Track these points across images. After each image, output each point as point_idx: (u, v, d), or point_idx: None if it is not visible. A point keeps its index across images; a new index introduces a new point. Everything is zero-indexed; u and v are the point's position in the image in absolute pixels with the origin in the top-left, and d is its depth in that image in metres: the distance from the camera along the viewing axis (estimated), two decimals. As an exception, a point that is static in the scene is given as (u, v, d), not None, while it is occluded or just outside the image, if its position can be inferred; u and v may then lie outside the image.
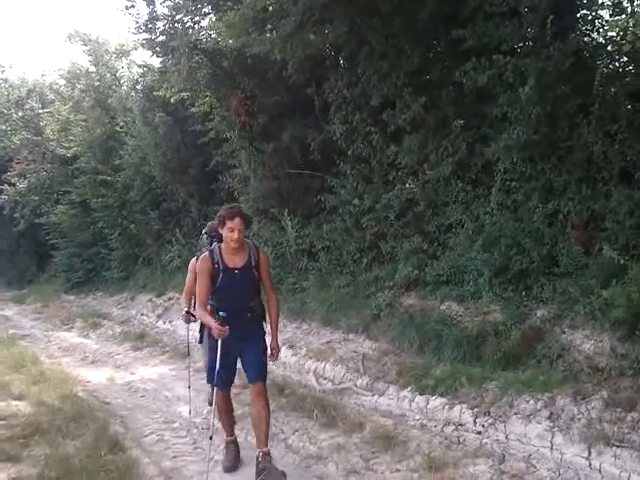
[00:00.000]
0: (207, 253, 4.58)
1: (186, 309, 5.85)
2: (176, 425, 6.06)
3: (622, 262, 5.21)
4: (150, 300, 13.53)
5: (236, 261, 4.50)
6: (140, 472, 4.73)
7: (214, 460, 4.87)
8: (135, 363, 9.24)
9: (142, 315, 13.17)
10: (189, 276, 5.94)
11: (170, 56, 10.47)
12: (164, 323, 11.96)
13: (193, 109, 11.51)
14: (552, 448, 4.60)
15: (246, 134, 9.96)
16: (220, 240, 4.63)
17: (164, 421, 6.24)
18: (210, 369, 4.67)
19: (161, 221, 14.52)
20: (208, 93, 10.65)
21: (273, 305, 4.79)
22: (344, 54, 8.82)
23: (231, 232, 4.37)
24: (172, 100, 11.52)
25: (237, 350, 4.61)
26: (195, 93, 11.12)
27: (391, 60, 7.79)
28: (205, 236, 5.70)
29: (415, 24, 7.40)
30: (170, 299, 12.66)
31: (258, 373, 4.65)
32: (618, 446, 4.28)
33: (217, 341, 4.44)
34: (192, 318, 5.72)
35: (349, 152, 8.64)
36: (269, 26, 8.15)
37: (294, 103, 9.62)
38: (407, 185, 7.94)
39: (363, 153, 8.46)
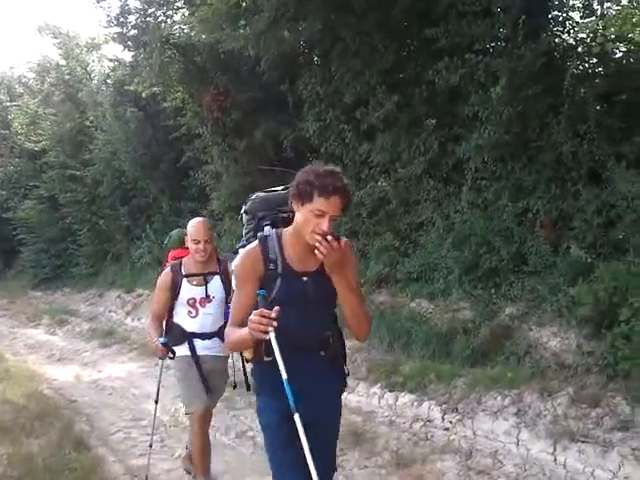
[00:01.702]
0: (255, 244, 2.61)
1: (161, 340, 3.99)
2: (144, 423, 5.98)
3: (589, 260, 5.28)
4: (119, 297, 13.37)
5: (307, 261, 2.54)
6: (105, 471, 4.66)
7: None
8: (103, 360, 9.11)
9: (110, 312, 13.01)
10: (160, 294, 4.08)
11: (142, 50, 10.37)
12: (133, 320, 11.82)
13: (165, 104, 11.40)
14: (518, 444, 4.64)
15: (219, 130, 9.90)
16: (281, 223, 2.70)
17: (131, 419, 6.15)
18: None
19: (131, 217, 14.36)
20: (180, 88, 10.55)
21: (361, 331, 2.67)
22: (318, 51, 8.81)
23: (318, 217, 2.40)
24: (144, 95, 11.40)
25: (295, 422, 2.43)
26: (167, 88, 11.01)
27: (364, 58, 7.80)
28: (246, 216, 3.00)
29: (389, 22, 7.41)
30: (139, 296, 12.53)
31: (326, 471, 2.63)
32: (582, 441, 4.33)
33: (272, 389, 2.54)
34: (171, 354, 4.04)
35: (322, 149, 8.64)
36: (242, 22, 8.11)
37: (267, 100, 9.59)
38: (379, 183, 7.96)
39: (336, 150, 8.46)
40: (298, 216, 2.47)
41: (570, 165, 5.93)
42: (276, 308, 2.33)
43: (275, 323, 2.31)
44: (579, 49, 6.83)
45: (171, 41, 9.82)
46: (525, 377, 5.20)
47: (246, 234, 2.84)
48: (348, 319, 2.59)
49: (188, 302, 4.00)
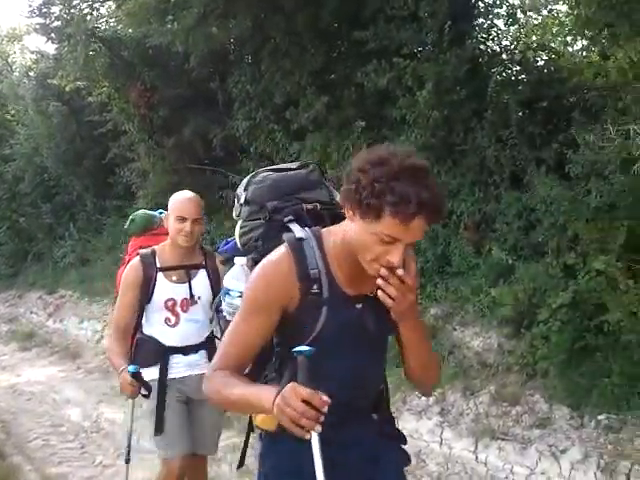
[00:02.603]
0: (284, 252, 1.68)
1: (131, 369, 2.88)
2: (63, 429, 5.79)
3: (510, 262, 5.42)
4: (40, 298, 12.88)
5: (360, 281, 1.68)
6: None
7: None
8: (22, 364, 8.77)
9: (31, 313, 12.52)
10: (126, 296, 3.06)
11: (66, 43, 9.98)
12: (55, 322, 11.41)
13: (90, 99, 11.05)
14: (441, 443, 4.73)
15: (146, 127, 9.67)
16: (310, 220, 1.80)
17: (50, 425, 5.95)
18: None
19: (54, 215, 13.86)
20: (106, 83, 10.25)
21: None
22: (248, 50, 8.73)
23: (387, 243, 1.53)
24: (67, 89, 11.00)
25: None
26: (92, 82, 10.67)
27: (294, 58, 7.78)
28: (247, 208, 1.89)
29: (318, 23, 7.42)
30: (62, 297, 12.11)
31: None
32: (503, 439, 4.45)
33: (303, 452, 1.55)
34: (144, 391, 2.98)
35: (252, 149, 8.57)
36: (170, 17, 7.93)
37: (197, 97, 9.42)
38: (309, 183, 7.96)
39: (266, 150, 8.40)
40: (352, 227, 1.57)
41: (493, 169, 6.09)
42: (325, 399, 1.44)
43: (323, 418, 1.44)
44: (503, 56, 7.02)
45: (97, 34, 9.51)
46: (449, 376, 5.30)
47: (243, 234, 1.87)
48: (414, 372, 1.79)
49: (166, 305, 3.02)
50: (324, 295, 1.66)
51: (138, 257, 3.06)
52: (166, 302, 3.03)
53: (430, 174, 1.54)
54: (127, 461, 3.41)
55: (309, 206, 1.82)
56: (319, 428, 1.44)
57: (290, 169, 1.92)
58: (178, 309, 3.05)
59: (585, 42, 5.86)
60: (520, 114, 6.03)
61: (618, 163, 4.80)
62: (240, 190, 1.91)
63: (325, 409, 1.44)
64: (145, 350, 3.07)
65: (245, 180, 1.93)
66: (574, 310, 4.75)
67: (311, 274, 1.65)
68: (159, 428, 3.01)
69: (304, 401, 1.42)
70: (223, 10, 7.56)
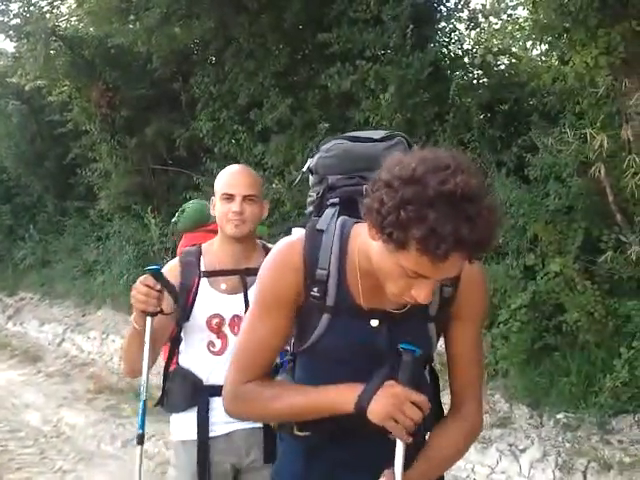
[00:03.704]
0: (297, 240, 1.49)
1: (152, 267, 2.08)
2: (22, 434, 5.68)
3: (472, 264, 5.49)
4: (-1, 300, 12.65)
5: (384, 298, 1.41)
6: (-22, 487, 4.40)
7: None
8: (-20, 368, 8.58)
9: (-10, 316, 12.28)
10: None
11: (25, 41, 9.80)
12: (14, 325, 11.19)
13: (50, 98, 10.86)
14: (405, 443, 4.77)
15: (107, 127, 9.54)
16: (344, 208, 1.54)
17: (9, 430, 5.83)
18: None
19: (13, 216, 13.57)
20: (67, 82, 10.08)
21: (455, 436, 1.55)
22: (211, 50, 8.68)
23: (412, 277, 1.28)
24: (27, 88, 10.79)
25: None
26: (53, 82, 10.46)
27: (258, 59, 7.77)
28: (312, 178, 1.71)
29: (282, 24, 7.42)
30: (22, 299, 11.89)
31: None
32: (464, 439, 4.50)
33: None
34: (167, 305, 2.12)
35: (216, 150, 8.52)
36: (132, 17, 7.86)
37: (160, 97, 9.35)
38: (274, 185, 7.95)
39: (230, 151, 8.36)
40: (375, 248, 1.33)
41: (454, 171, 6.14)
42: (428, 403, 1.35)
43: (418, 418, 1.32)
44: (465, 60, 7.11)
45: (57, 33, 9.36)
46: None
47: (309, 204, 1.67)
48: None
49: (209, 324, 2.19)
50: (327, 302, 1.43)
51: (178, 257, 2.30)
52: (210, 320, 2.19)
53: (481, 199, 1.20)
54: (140, 442, 2.19)
55: None
56: (411, 438, 1.34)
57: (370, 139, 1.60)
58: (226, 330, 2.20)
59: (544, 47, 5.96)
60: (481, 117, 6.11)
61: (575, 166, 4.90)
62: (309, 159, 1.70)
63: (427, 406, 1.34)
64: (177, 387, 2.22)
65: (318, 148, 1.69)
66: (533, 311, 4.83)
67: (317, 274, 1.42)
68: None
69: (410, 401, 1.31)
70: (186, 10, 7.53)
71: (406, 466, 1.40)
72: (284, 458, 1.67)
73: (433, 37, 6.78)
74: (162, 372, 2.28)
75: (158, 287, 1.99)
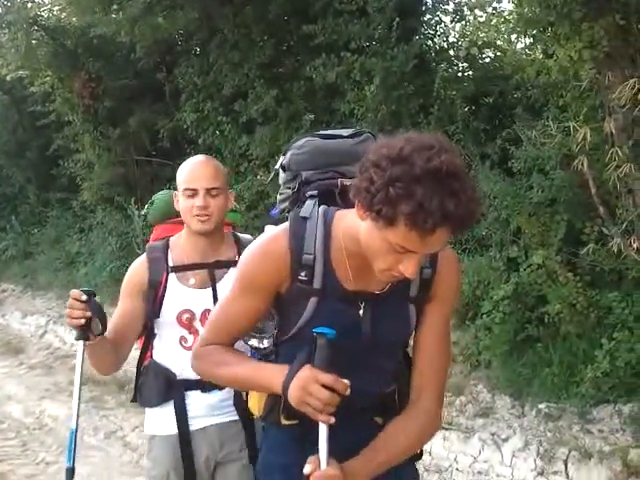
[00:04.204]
0: (282, 229, 1.53)
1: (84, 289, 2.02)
2: (4, 426, 5.65)
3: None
4: (-19, 292, 12.53)
5: (368, 275, 1.47)
6: (-41, 479, 4.37)
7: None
8: (-39, 361, 8.50)
9: (-29, 308, 12.17)
10: (125, 304, 2.22)
11: (6, 31, 9.68)
12: (-4, 317, 11.13)
13: (33, 89, 10.75)
14: (388, 433, 4.79)
15: (90, 117, 9.45)
16: (338, 197, 1.60)
17: (-9, 422, 5.80)
18: None
19: (-5, 207, 13.48)
20: (49, 72, 9.98)
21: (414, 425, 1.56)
22: (196, 41, 8.64)
23: (400, 253, 1.33)
24: (9, 78, 10.69)
25: None
26: (35, 72, 10.35)
27: (243, 50, 7.73)
28: (283, 174, 1.74)
29: (267, 15, 7.39)
30: (4, 291, 11.78)
31: None
32: (447, 429, 4.54)
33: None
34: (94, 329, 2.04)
35: (200, 141, 8.48)
36: (115, 6, 7.78)
37: (143, 88, 9.28)
38: (258, 177, 7.93)
39: (215, 142, 8.33)
40: (362, 227, 1.38)
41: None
42: (347, 382, 1.36)
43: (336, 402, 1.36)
44: (450, 52, 7.13)
45: (39, 22, 9.25)
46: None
47: (280, 202, 1.73)
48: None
49: (180, 319, 2.16)
50: (314, 285, 1.48)
51: (146, 252, 2.24)
52: (180, 315, 2.16)
53: (464, 176, 1.27)
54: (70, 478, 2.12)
55: (347, 182, 1.51)
56: (333, 419, 1.36)
57: (340, 136, 1.68)
58: (197, 325, 2.16)
59: (529, 40, 5.99)
60: (466, 110, 6.13)
61: (558, 159, 4.94)
62: (281, 156, 1.73)
63: (348, 392, 1.36)
64: (150, 381, 2.20)
65: (290, 145, 1.72)
66: (516, 302, 4.86)
67: (304, 259, 1.47)
68: None
69: (324, 387, 1.34)
70: (170, 1, 7.48)
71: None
72: (270, 453, 1.69)
73: (418, 29, 6.78)
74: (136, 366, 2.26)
75: (84, 298, 1.96)
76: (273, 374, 1.45)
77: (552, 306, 4.62)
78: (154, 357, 2.23)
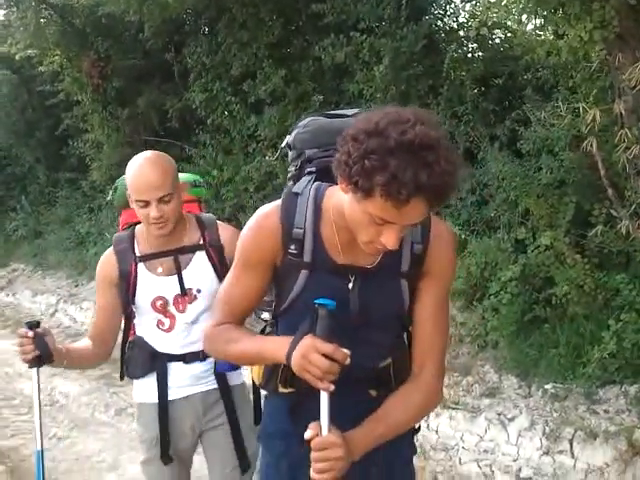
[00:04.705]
0: (275, 206, 1.60)
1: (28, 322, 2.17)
2: (16, 402, 5.74)
3: (463, 237, 5.53)
4: (-8, 271, 12.65)
5: (357, 250, 1.51)
6: (-27, 453, 4.46)
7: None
8: (-27, 338, 8.61)
9: (-18, 287, 12.29)
10: (101, 297, 2.33)
11: (15, 9, 9.68)
12: (7, 296, 11.21)
13: (41, 68, 10.74)
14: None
15: (99, 97, 9.47)
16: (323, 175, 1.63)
17: (3, 398, 5.90)
18: None
19: (5, 187, 13.56)
20: (58, 52, 9.97)
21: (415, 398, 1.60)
22: (204, 20, 8.61)
23: (380, 224, 1.38)
24: (17, 57, 10.67)
25: None
26: (43, 51, 10.35)
27: (251, 30, 7.71)
28: (290, 153, 1.81)
29: (276, -6, 7.36)
30: (15, 270, 11.91)
31: None
32: (453, 408, 4.58)
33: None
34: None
35: (209, 121, 8.48)
36: (124, -16, 7.73)
37: (152, 68, 9.29)
38: (267, 157, 7.93)
39: (223, 123, 8.33)
40: (346, 201, 1.44)
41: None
42: (347, 351, 1.39)
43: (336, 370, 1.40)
44: (459, 33, 7.06)
45: (47, 1, 9.23)
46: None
47: (288, 180, 1.78)
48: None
49: (154, 306, 2.24)
50: (305, 259, 1.53)
51: (113, 243, 2.30)
52: (154, 302, 2.24)
53: (439, 148, 1.28)
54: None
55: None
56: (332, 387, 1.40)
57: (344, 115, 1.72)
58: (172, 309, 2.24)
59: (539, 21, 5.92)
60: (475, 91, 6.11)
61: (568, 140, 4.92)
62: (288, 136, 1.79)
63: (348, 361, 1.39)
64: (135, 356, 2.30)
65: (295, 125, 1.79)
66: (523, 283, 4.88)
67: (294, 233, 1.53)
68: (167, 460, 2.29)
69: (325, 356, 1.37)
70: (178, -21, 7.43)
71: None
72: (269, 418, 1.77)
73: (428, 9, 6.73)
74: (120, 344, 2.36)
75: (31, 334, 2.08)
76: (278, 346, 1.49)
77: (560, 287, 4.63)
78: (138, 333, 2.34)
